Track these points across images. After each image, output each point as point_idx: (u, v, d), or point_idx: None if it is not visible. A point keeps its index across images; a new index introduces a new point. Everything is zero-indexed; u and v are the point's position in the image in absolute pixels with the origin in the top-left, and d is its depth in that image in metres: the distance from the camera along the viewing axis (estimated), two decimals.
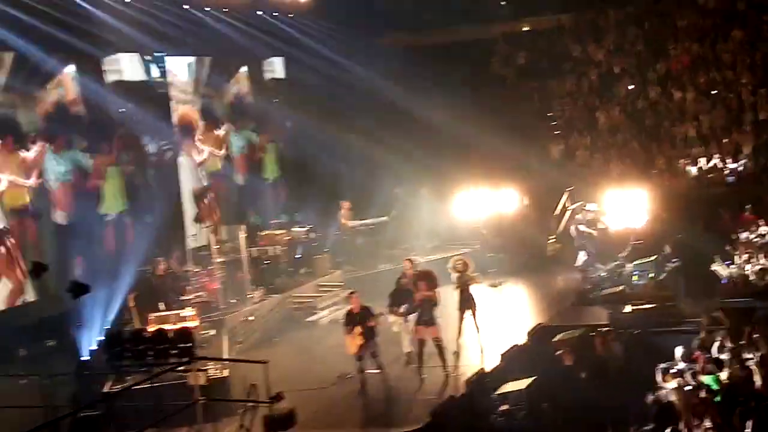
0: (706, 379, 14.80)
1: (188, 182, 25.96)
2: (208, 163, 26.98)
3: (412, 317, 18.23)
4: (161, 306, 20.39)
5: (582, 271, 23.77)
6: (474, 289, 19.34)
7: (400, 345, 18.83)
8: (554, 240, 26.14)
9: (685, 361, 15.93)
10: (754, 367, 14.62)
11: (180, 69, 26.06)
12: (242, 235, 22.74)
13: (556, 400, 16.03)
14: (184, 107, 26.24)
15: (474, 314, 19.05)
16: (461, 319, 19.09)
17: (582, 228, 24.46)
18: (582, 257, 24.25)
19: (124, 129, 23.84)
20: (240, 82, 28.91)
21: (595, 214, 24.69)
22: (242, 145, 28.77)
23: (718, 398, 13.88)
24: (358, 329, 17.19)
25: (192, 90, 26.58)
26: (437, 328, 17.98)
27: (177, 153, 25.68)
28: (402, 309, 18.46)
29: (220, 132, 27.68)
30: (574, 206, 25.03)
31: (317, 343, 21.37)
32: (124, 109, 23.57)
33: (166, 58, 25.15)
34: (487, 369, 17.42)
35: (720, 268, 20.44)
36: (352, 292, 18.08)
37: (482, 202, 25.81)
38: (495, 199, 25.88)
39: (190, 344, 15.64)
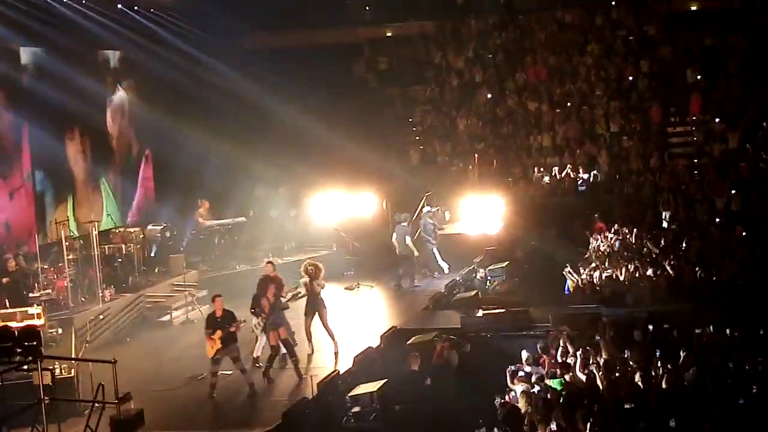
0: (552, 382, 15.18)
1: None
2: None
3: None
4: (6, 303, 19.81)
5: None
6: (324, 293, 19.31)
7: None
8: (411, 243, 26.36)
9: (532, 365, 16.32)
10: (597, 372, 15.06)
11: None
12: (94, 232, 22.20)
13: (406, 402, 16.20)
14: None
15: (323, 318, 19.06)
16: (308, 323, 19.10)
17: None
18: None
19: None
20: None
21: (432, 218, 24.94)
22: None
23: (561, 401, 14.23)
24: (219, 333, 17.00)
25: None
26: (285, 329, 17.93)
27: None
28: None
29: None
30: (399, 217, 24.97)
31: (170, 344, 21.08)
32: None
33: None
34: (341, 371, 17.45)
35: (568, 278, 20.99)
36: (216, 296, 17.82)
37: (340, 205, 25.94)
38: (353, 202, 26.03)
39: (36, 342, 15.18)
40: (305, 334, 19.06)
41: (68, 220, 23.63)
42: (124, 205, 27.88)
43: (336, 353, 18.79)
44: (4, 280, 20.46)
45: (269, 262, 20.02)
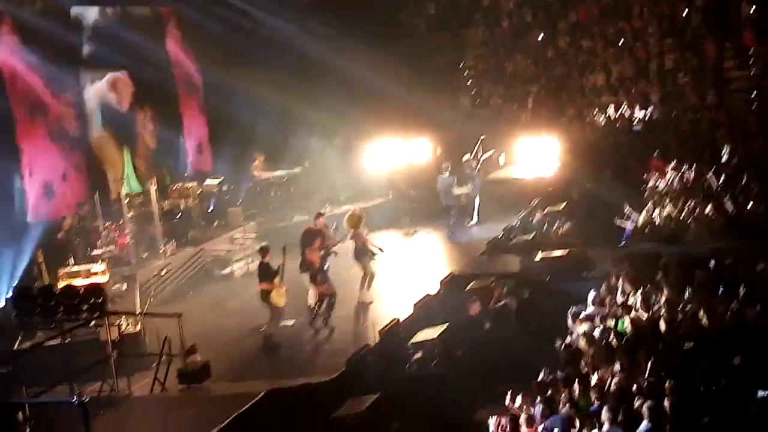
0: (614, 323, 15.13)
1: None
2: None
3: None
4: (70, 261, 20.14)
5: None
6: (371, 242, 19.34)
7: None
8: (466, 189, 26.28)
9: (594, 306, 16.26)
10: (659, 311, 14.98)
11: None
12: (153, 188, 22.43)
13: (467, 348, 16.26)
14: None
15: (365, 269, 19.13)
16: (362, 268, 19.20)
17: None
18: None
19: None
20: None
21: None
22: None
23: (625, 341, 14.21)
24: (277, 279, 17.20)
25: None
26: (327, 285, 18.03)
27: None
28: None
29: None
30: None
31: (231, 296, 21.33)
32: None
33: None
34: (401, 319, 17.54)
35: (624, 220, 20.80)
36: (263, 247, 17.90)
37: (394, 153, 25.89)
38: (407, 149, 25.96)
39: (101, 299, 15.48)
40: (360, 282, 19.20)
41: (127, 176, 23.70)
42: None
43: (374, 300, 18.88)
44: (59, 235, 20.72)
45: (320, 214, 20.09)
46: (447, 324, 16.69)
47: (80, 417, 11.24)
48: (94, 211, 22.45)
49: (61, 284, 17.95)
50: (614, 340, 14.33)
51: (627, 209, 20.81)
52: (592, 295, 16.50)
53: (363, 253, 19.10)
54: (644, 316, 15.15)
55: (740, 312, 14.27)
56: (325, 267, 18.32)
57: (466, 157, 25.10)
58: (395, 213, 25.38)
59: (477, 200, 24.66)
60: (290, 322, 17.81)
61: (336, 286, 18.40)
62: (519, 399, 13.15)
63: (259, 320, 18.17)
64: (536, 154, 24.97)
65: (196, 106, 27.89)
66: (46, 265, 19.50)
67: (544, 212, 22.62)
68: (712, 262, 16.91)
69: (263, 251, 18.07)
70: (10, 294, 18.15)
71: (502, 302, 17.44)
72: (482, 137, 27.20)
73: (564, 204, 22.78)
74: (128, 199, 22.17)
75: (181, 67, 27.28)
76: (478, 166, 25.17)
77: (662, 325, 14.51)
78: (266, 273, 17.46)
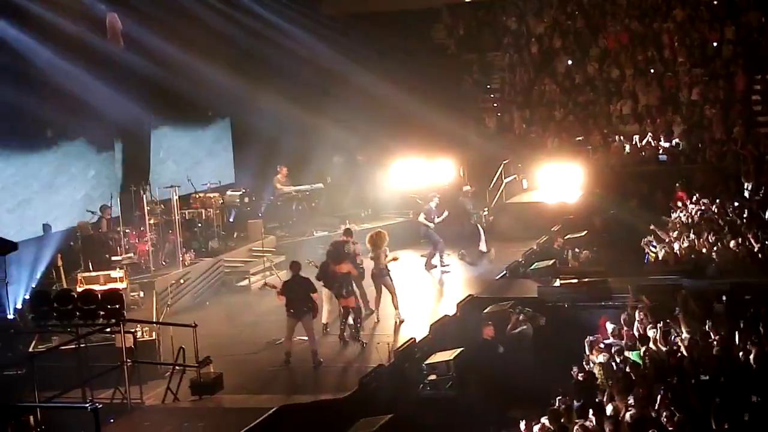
0: (632, 354, 15.02)
1: None
2: None
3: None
4: (90, 266, 20.18)
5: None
6: (391, 264, 19.28)
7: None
8: (489, 212, 26.21)
9: (612, 336, 16.16)
10: (679, 344, 14.85)
11: None
12: (175, 197, 22.45)
13: (482, 371, 16.18)
14: None
15: (390, 290, 19.05)
16: (377, 291, 19.17)
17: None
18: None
19: None
20: None
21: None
22: None
23: (641, 373, 14.09)
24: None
25: None
26: (353, 299, 17.98)
27: None
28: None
29: None
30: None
31: (248, 309, 21.33)
32: None
33: None
34: (417, 339, 17.46)
35: (648, 250, 20.71)
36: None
37: (418, 172, 25.85)
38: (431, 169, 25.93)
39: (118, 306, 15.47)
40: (374, 301, 19.21)
41: (149, 184, 23.74)
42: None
43: (398, 322, 18.76)
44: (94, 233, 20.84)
45: (347, 230, 20.11)
46: (462, 348, 16.61)
47: (92, 423, 11.24)
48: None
49: (79, 289, 17.97)
50: (631, 371, 14.21)
51: (647, 241, 20.76)
52: (610, 327, 16.39)
53: (383, 274, 19.02)
54: (662, 348, 15.03)
55: (761, 349, 14.11)
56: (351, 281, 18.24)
57: (466, 188, 24.86)
58: (416, 232, 25.23)
59: (481, 229, 24.38)
60: (305, 338, 17.69)
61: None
62: (534, 427, 13.04)
63: (274, 334, 18.14)
64: (559, 180, 24.91)
65: None
66: (64, 269, 19.53)
67: (565, 238, 22.55)
68: (733, 296, 16.76)
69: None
70: (28, 297, 18.17)
71: (519, 329, 17.37)
72: (505, 161, 27.18)
73: (585, 231, 22.70)
74: (149, 206, 22.18)
75: None
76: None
77: (679, 359, 14.39)
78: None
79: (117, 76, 22.76)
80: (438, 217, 23.04)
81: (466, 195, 24.63)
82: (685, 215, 22.54)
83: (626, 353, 15.12)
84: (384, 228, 20.64)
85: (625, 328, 16.26)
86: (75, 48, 21.87)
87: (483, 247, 24.09)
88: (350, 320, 17.84)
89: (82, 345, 15.58)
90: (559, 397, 13.74)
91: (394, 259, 19.29)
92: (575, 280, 19.33)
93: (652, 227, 21.56)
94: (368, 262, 19.38)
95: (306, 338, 17.26)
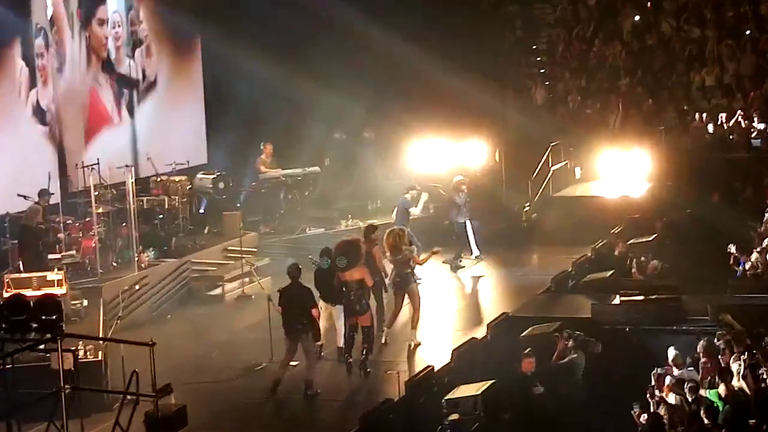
0: (709, 393, 15.09)
1: None
2: None
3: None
4: (20, 266, 20.29)
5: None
6: (417, 268, 19.37)
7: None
8: (531, 207, 26.29)
9: (684, 368, 16.22)
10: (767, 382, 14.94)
11: None
12: (130, 180, 22.46)
13: (517, 411, 16.25)
14: None
15: (414, 304, 19.18)
16: (396, 302, 19.29)
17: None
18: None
19: None
20: None
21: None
22: None
23: (720, 416, 14.17)
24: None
25: None
26: (369, 315, 18.06)
27: None
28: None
29: None
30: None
31: (221, 324, 21.41)
32: None
33: None
34: (436, 368, 17.55)
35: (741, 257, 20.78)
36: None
37: (442, 156, 25.93)
38: (459, 152, 26.01)
39: (56, 316, 15.56)
40: (390, 316, 19.30)
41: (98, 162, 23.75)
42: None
43: (413, 346, 18.91)
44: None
45: (370, 227, 20.20)
46: (493, 380, 16.68)
47: None
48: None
49: (7, 293, 18.08)
50: (705, 414, 14.29)
51: (734, 248, 20.85)
52: (672, 354, 16.47)
53: (407, 281, 19.09)
54: (747, 386, 15.10)
55: None
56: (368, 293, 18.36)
57: (458, 178, 24.82)
58: (438, 232, 25.27)
59: (470, 230, 24.44)
60: (295, 363, 17.81)
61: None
62: None
63: (252, 357, 18.26)
64: (622, 169, 24.98)
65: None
66: None
67: (628, 243, 22.61)
68: None
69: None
70: None
71: (567, 358, 17.43)
72: (553, 143, 27.24)
73: (654, 235, 22.76)
74: (97, 191, 22.14)
75: None
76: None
77: None
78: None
79: None
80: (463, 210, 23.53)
81: (458, 187, 24.43)
82: None
83: (702, 391, 15.19)
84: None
85: (702, 360, 16.33)
86: None
87: (476, 251, 24.29)
88: (357, 340, 17.97)
89: (8, 366, 15.69)
90: None
91: (434, 253, 19.42)
92: (640, 297, 19.40)
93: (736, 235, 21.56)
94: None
95: (296, 363, 17.38)
